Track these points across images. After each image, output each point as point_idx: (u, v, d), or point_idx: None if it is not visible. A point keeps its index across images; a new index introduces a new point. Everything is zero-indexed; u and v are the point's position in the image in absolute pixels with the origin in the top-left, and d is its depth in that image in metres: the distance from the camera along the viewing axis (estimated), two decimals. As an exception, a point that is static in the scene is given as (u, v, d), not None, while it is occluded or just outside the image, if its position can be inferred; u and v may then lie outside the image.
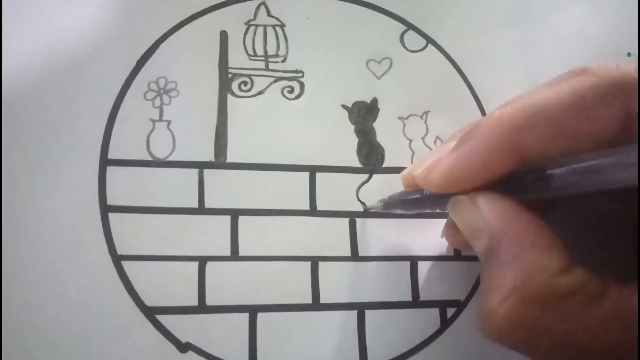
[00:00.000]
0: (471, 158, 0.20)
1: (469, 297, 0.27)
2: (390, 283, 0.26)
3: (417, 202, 0.24)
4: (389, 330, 0.26)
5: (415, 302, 0.26)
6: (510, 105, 0.20)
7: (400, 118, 0.28)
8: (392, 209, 0.26)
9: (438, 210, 0.25)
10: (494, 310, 0.19)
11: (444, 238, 0.27)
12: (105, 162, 0.25)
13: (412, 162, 0.28)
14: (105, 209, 0.25)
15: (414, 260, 0.27)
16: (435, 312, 0.26)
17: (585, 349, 0.18)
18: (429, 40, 0.29)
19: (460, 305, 0.26)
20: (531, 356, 0.19)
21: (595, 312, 0.18)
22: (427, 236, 0.27)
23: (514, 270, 0.18)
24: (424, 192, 0.23)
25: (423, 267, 0.27)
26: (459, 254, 0.27)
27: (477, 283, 0.27)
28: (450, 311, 0.26)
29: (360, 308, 0.26)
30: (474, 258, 0.27)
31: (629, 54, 0.30)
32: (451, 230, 0.26)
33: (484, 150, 0.20)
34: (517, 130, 0.20)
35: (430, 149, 0.28)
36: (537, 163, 0.19)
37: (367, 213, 0.27)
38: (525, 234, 0.19)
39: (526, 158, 0.20)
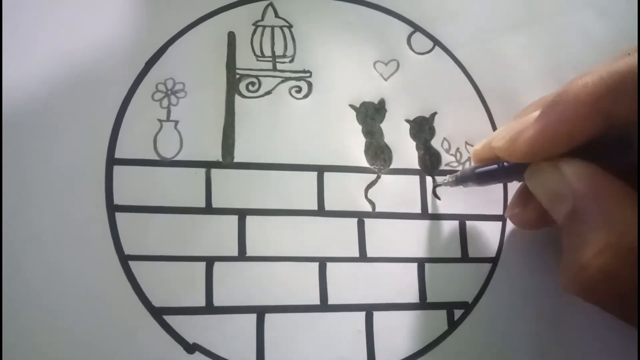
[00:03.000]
0: (558, 125, 0.21)
1: (476, 299, 0.26)
2: (398, 284, 0.26)
3: (493, 175, 0.25)
4: (397, 332, 0.26)
5: (423, 304, 0.26)
6: (592, 73, 0.20)
7: (407, 120, 0.28)
8: (464, 183, 0.26)
9: (515, 181, 0.26)
10: (588, 264, 0.19)
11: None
12: (112, 161, 0.25)
13: (419, 164, 0.28)
14: (112, 208, 0.25)
15: (421, 262, 0.26)
16: (442, 313, 0.26)
17: None
18: (436, 42, 0.29)
19: (467, 307, 0.26)
20: (620, 311, 0.20)
21: None
22: (435, 237, 0.27)
23: (608, 226, 0.19)
24: (500, 164, 0.24)
25: (431, 269, 0.26)
26: (466, 256, 0.27)
27: (485, 285, 0.27)
28: (458, 313, 0.26)
29: (369, 309, 0.26)
30: (482, 260, 0.27)
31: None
32: (517, 208, 0.26)
33: (571, 117, 0.20)
34: (605, 95, 0.20)
35: (438, 151, 0.28)
36: (620, 129, 0.20)
37: (375, 213, 0.27)
38: (615, 192, 0.20)
39: (611, 124, 0.20)
